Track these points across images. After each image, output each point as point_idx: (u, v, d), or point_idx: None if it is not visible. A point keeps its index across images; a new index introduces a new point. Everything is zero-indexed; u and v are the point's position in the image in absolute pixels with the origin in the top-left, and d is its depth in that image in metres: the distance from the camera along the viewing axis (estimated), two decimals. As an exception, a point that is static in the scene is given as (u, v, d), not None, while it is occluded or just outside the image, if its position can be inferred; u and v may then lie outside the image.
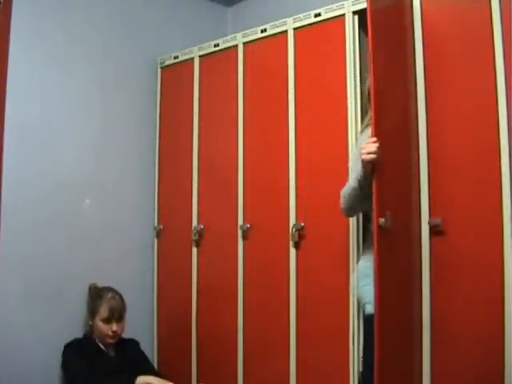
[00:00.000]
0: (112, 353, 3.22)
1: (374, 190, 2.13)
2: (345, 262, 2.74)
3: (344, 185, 2.44)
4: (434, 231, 2.46)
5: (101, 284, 3.35)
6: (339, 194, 2.45)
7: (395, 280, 2.27)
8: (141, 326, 3.63)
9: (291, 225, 2.97)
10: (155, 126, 3.81)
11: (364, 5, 2.70)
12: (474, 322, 2.37)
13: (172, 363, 3.56)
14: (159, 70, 3.82)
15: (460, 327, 2.40)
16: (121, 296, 3.28)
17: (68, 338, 3.19)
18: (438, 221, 2.44)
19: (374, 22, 2.20)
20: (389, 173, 2.28)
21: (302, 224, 2.93)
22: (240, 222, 3.23)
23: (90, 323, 3.23)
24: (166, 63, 3.78)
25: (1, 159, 3.12)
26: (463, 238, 2.41)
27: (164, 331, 3.68)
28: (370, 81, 2.23)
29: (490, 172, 2.34)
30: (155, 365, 3.59)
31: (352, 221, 2.72)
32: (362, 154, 2.19)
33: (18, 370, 3.07)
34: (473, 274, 2.38)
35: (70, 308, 3.33)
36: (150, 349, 3.66)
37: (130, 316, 3.39)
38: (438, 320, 2.45)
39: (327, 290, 2.84)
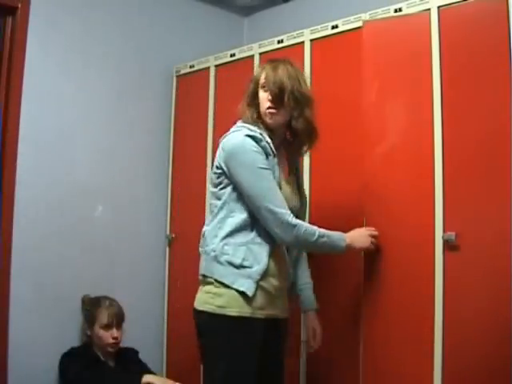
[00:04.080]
0: (112, 363, 3.19)
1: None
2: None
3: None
4: (448, 246, 2.44)
5: (96, 294, 3.34)
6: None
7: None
8: (151, 334, 3.63)
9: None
10: (169, 134, 3.82)
11: (381, 17, 2.71)
12: (486, 336, 2.34)
13: (182, 372, 3.54)
14: (175, 78, 3.83)
15: (473, 342, 2.38)
16: (117, 302, 3.27)
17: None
18: (452, 235, 2.42)
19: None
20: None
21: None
22: (252, 232, 3.21)
23: (89, 333, 3.21)
24: (182, 72, 3.79)
25: (15, 167, 3.15)
26: (476, 253, 2.39)
27: (174, 340, 3.67)
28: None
29: (503, 187, 2.32)
30: (164, 373, 3.58)
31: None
32: (369, 235, 2.41)
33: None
34: (485, 288, 2.37)
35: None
36: (160, 357, 3.66)
37: (140, 324, 3.40)
38: (450, 332, 2.43)
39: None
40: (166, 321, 3.70)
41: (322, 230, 2.27)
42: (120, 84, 3.63)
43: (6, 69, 3.19)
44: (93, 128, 3.49)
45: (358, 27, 2.81)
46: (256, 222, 2.26)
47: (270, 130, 2.36)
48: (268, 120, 2.35)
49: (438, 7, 2.52)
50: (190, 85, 3.76)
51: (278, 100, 2.31)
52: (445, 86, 2.49)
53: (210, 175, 2.43)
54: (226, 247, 2.27)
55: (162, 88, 3.83)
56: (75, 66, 3.42)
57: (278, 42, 3.22)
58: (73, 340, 3.24)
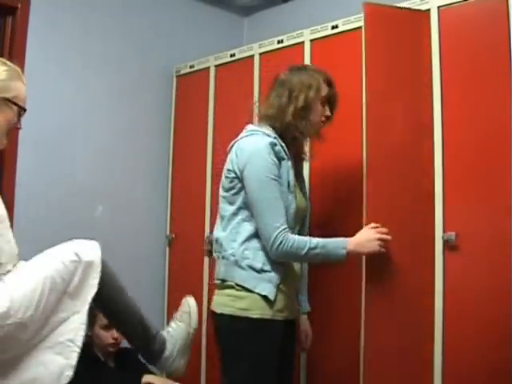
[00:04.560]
0: (111, 363, 3.18)
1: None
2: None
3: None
4: (448, 246, 2.44)
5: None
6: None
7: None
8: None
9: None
10: (169, 134, 3.82)
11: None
12: (486, 337, 2.34)
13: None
14: (175, 78, 3.83)
15: (472, 341, 2.38)
16: None
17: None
18: (452, 235, 2.42)
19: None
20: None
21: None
22: (252, 232, 3.21)
23: (89, 333, 3.19)
24: (182, 72, 3.79)
25: (15, 167, 3.15)
26: (476, 253, 2.39)
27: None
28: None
29: (503, 187, 2.32)
30: (164, 373, 3.57)
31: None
32: (378, 239, 2.29)
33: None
34: (485, 288, 2.37)
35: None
36: (160, 357, 3.65)
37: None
38: (450, 333, 2.43)
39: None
40: (165, 321, 3.70)
41: (316, 241, 2.22)
42: (120, 84, 3.63)
43: (5, 69, 3.19)
44: (93, 128, 3.49)
45: (358, 27, 2.81)
46: None
47: (280, 135, 2.36)
48: (313, 131, 2.42)
49: (438, 7, 2.53)
50: (190, 85, 3.76)
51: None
52: (445, 85, 2.49)
53: (222, 180, 2.41)
54: (246, 252, 2.27)
55: (162, 88, 3.83)
56: (75, 66, 3.42)
57: (278, 42, 3.22)
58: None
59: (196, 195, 3.58)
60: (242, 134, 2.39)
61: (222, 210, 2.38)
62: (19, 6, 3.19)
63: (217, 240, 2.38)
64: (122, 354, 3.22)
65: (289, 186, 2.31)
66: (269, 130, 2.33)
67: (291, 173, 2.33)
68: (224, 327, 2.31)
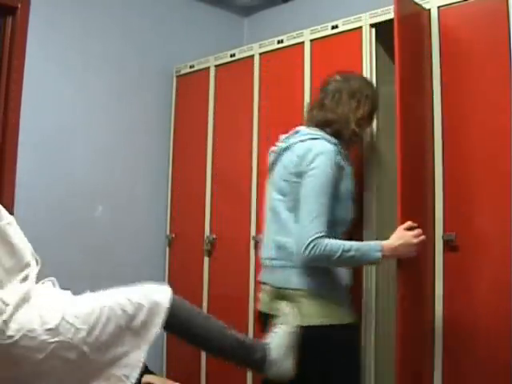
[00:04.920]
0: None
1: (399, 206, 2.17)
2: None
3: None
4: (448, 246, 2.44)
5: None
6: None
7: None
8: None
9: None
10: (169, 134, 3.82)
11: (381, 18, 2.72)
12: (486, 336, 2.35)
13: (181, 372, 3.54)
14: (175, 78, 3.83)
15: (472, 341, 2.38)
16: None
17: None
18: (452, 235, 2.42)
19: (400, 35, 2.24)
20: (413, 187, 2.30)
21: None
22: (253, 232, 3.22)
23: None
24: (182, 72, 3.79)
25: (15, 168, 3.15)
26: (476, 253, 2.39)
27: (174, 340, 3.65)
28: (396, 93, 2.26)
29: (503, 187, 2.32)
30: (164, 373, 3.58)
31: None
32: (415, 240, 2.19)
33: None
34: (485, 288, 2.37)
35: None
36: (160, 357, 3.65)
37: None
38: (450, 333, 2.43)
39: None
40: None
41: (349, 244, 2.14)
42: (120, 84, 3.63)
43: (5, 69, 3.19)
44: (93, 128, 3.49)
45: (358, 27, 2.82)
46: (333, 231, 2.18)
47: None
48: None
49: (438, 7, 2.53)
50: (190, 85, 3.76)
51: None
52: (445, 85, 2.49)
53: (278, 183, 2.34)
54: None
55: (162, 88, 3.83)
56: (75, 66, 3.42)
57: (278, 42, 3.22)
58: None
59: (196, 195, 3.58)
60: (300, 137, 2.33)
61: (280, 213, 2.30)
62: (19, 5, 3.19)
63: (280, 246, 2.30)
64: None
65: (349, 194, 2.27)
66: (327, 136, 2.30)
67: (352, 181, 2.30)
68: (321, 339, 2.17)
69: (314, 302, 2.19)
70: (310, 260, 2.13)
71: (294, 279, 2.23)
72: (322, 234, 2.11)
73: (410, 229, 2.20)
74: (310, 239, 2.10)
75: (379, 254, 2.14)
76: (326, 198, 2.16)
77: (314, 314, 2.18)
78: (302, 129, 2.39)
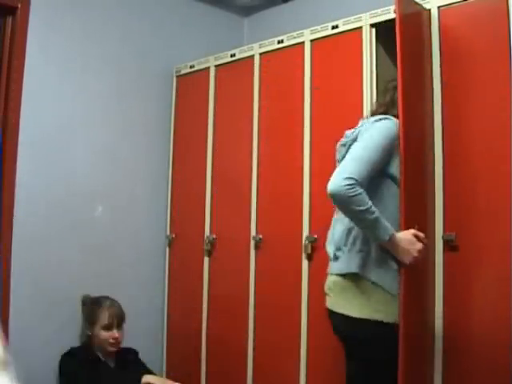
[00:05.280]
0: (111, 363, 3.18)
1: (402, 206, 2.16)
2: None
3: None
4: (448, 246, 2.44)
5: (99, 293, 3.31)
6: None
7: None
8: (151, 333, 3.63)
9: (304, 237, 2.95)
10: (169, 134, 3.81)
11: (381, 18, 2.72)
12: (486, 335, 2.35)
13: (182, 372, 3.55)
14: (175, 78, 3.83)
15: (472, 341, 2.38)
16: (118, 303, 3.26)
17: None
18: (452, 235, 2.42)
19: (403, 34, 2.24)
20: (415, 187, 2.29)
21: (315, 236, 2.91)
22: (253, 232, 3.22)
23: (89, 333, 3.19)
24: (182, 72, 3.79)
25: (15, 168, 3.15)
26: (476, 253, 2.39)
27: (174, 340, 3.67)
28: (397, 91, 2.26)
29: (503, 187, 2.32)
30: (164, 373, 3.58)
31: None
32: (414, 251, 2.13)
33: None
34: (485, 288, 2.37)
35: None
36: (160, 357, 3.66)
37: (140, 324, 3.39)
38: (450, 333, 2.43)
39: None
40: (165, 321, 3.70)
41: (375, 209, 2.07)
42: (120, 84, 3.63)
43: (5, 69, 3.19)
44: (93, 128, 3.49)
45: (358, 27, 2.82)
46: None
47: None
48: None
49: (439, 7, 2.53)
50: (190, 85, 3.76)
51: None
52: (445, 85, 2.50)
53: None
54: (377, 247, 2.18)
55: (162, 88, 3.82)
56: (75, 66, 3.41)
57: (278, 42, 3.22)
58: (73, 340, 3.24)
59: (196, 195, 3.58)
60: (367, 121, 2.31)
61: None
62: (19, 6, 3.19)
63: (338, 234, 2.30)
64: (122, 354, 3.22)
65: (397, 179, 2.20)
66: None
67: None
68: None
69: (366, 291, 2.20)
70: (338, 195, 2.08)
71: (355, 263, 2.22)
72: (361, 181, 2.07)
73: (417, 237, 2.15)
74: (349, 180, 2.06)
75: (387, 238, 2.09)
76: (376, 154, 2.15)
77: (364, 306, 2.20)
78: (374, 116, 2.33)
